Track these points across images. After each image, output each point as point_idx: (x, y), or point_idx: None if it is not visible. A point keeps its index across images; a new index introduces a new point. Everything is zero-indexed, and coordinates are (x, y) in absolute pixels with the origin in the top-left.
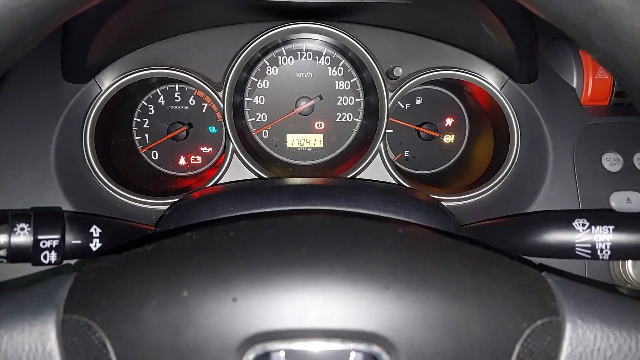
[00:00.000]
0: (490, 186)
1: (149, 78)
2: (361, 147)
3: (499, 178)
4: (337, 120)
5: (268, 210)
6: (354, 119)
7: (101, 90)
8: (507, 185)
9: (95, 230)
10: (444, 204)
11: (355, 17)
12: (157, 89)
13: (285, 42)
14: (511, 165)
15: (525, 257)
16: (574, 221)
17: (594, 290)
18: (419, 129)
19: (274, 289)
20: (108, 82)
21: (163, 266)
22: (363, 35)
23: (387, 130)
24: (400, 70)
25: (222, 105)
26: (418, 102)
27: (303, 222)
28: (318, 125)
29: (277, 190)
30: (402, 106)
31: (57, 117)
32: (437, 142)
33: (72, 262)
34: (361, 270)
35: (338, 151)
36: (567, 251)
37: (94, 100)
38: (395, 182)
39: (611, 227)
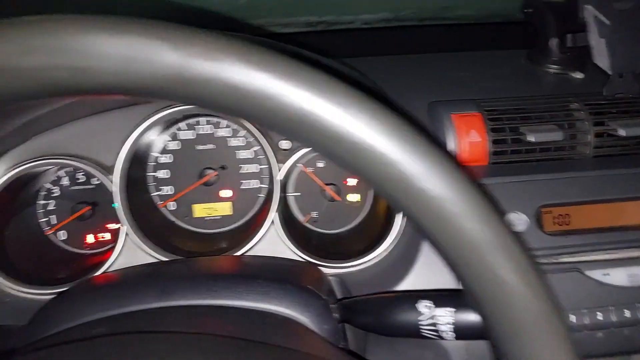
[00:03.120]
0: (378, 252)
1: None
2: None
3: (388, 244)
4: (242, 187)
5: (132, 309)
6: (260, 185)
7: None
8: (395, 252)
9: None
10: (335, 270)
11: None
12: (59, 172)
13: (185, 117)
14: (398, 233)
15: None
16: (417, 303)
17: None
18: (325, 187)
19: None
20: None
21: None
22: None
23: (295, 194)
24: (290, 143)
25: (111, 189)
26: (320, 165)
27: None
28: (225, 194)
29: (139, 287)
30: (305, 170)
31: None
32: (342, 202)
33: None
34: None
35: (247, 217)
36: (414, 332)
37: None
38: (292, 252)
39: (452, 310)
